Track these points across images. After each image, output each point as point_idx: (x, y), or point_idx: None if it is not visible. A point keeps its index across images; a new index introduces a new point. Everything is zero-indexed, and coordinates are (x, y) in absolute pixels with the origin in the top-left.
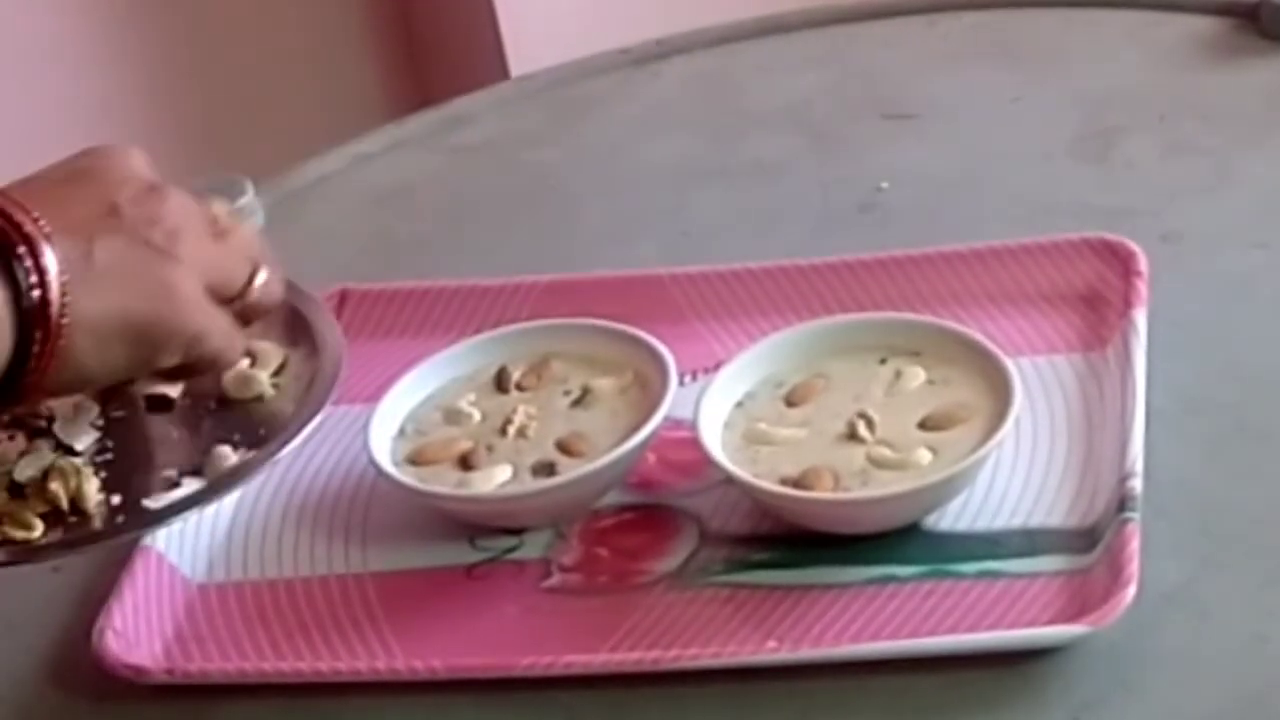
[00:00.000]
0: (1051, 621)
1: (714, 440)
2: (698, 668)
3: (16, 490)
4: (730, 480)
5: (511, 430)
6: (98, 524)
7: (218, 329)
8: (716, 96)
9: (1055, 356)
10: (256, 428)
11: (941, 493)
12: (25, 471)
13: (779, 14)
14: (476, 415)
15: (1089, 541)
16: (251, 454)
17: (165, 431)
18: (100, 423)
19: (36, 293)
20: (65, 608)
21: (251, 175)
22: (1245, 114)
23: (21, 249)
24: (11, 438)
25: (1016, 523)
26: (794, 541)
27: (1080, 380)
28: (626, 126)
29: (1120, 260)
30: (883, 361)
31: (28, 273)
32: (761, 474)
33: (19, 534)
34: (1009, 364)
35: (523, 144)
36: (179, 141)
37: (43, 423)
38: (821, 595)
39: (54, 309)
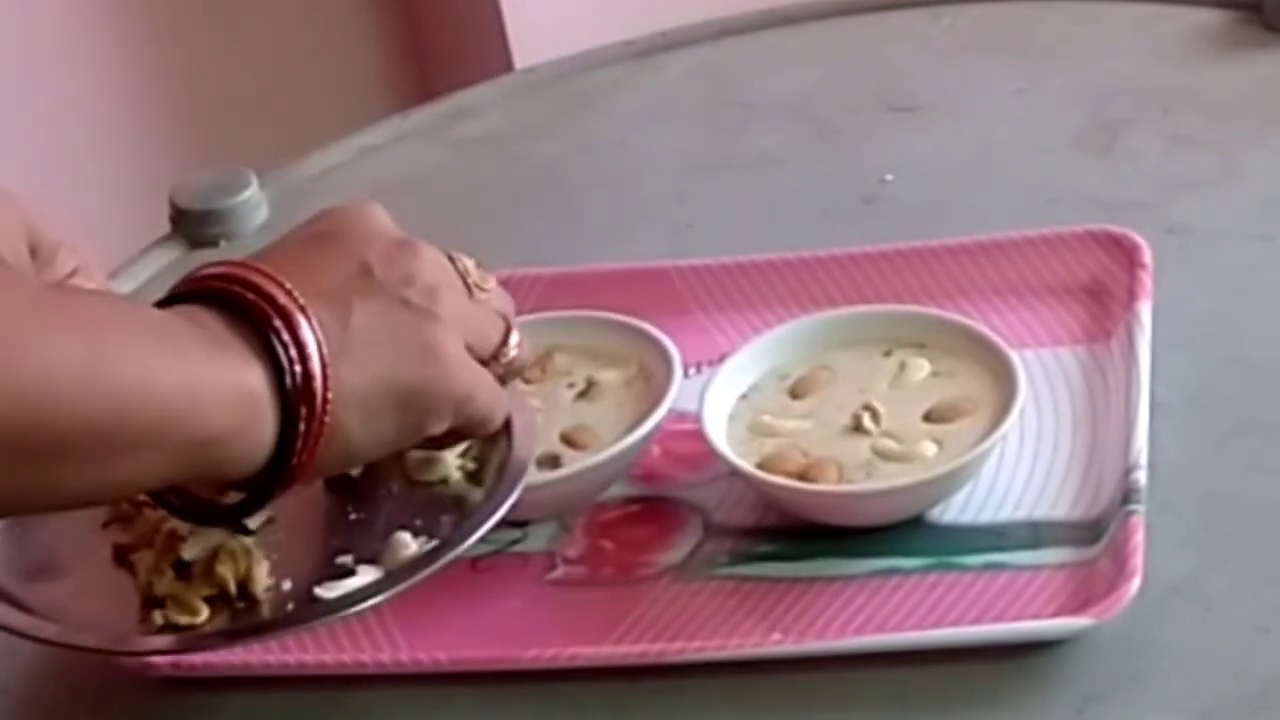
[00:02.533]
0: (1056, 614)
1: (718, 432)
2: (702, 660)
3: (183, 569)
4: (735, 473)
5: None
6: (266, 611)
7: (484, 387)
8: (721, 89)
9: (1060, 349)
10: (440, 513)
11: (946, 485)
12: (193, 550)
13: (783, 6)
14: None
15: (1093, 534)
16: (432, 543)
17: (342, 512)
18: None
19: (298, 368)
20: None
21: (256, 168)
22: (1250, 107)
23: (278, 323)
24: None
25: (1021, 515)
26: (798, 534)
27: (1085, 373)
28: (630, 119)
29: (1124, 252)
30: (887, 354)
31: (286, 348)
32: (766, 466)
33: (183, 619)
34: (1013, 356)
35: (527, 136)
36: (183, 134)
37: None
38: (826, 587)
39: (317, 385)
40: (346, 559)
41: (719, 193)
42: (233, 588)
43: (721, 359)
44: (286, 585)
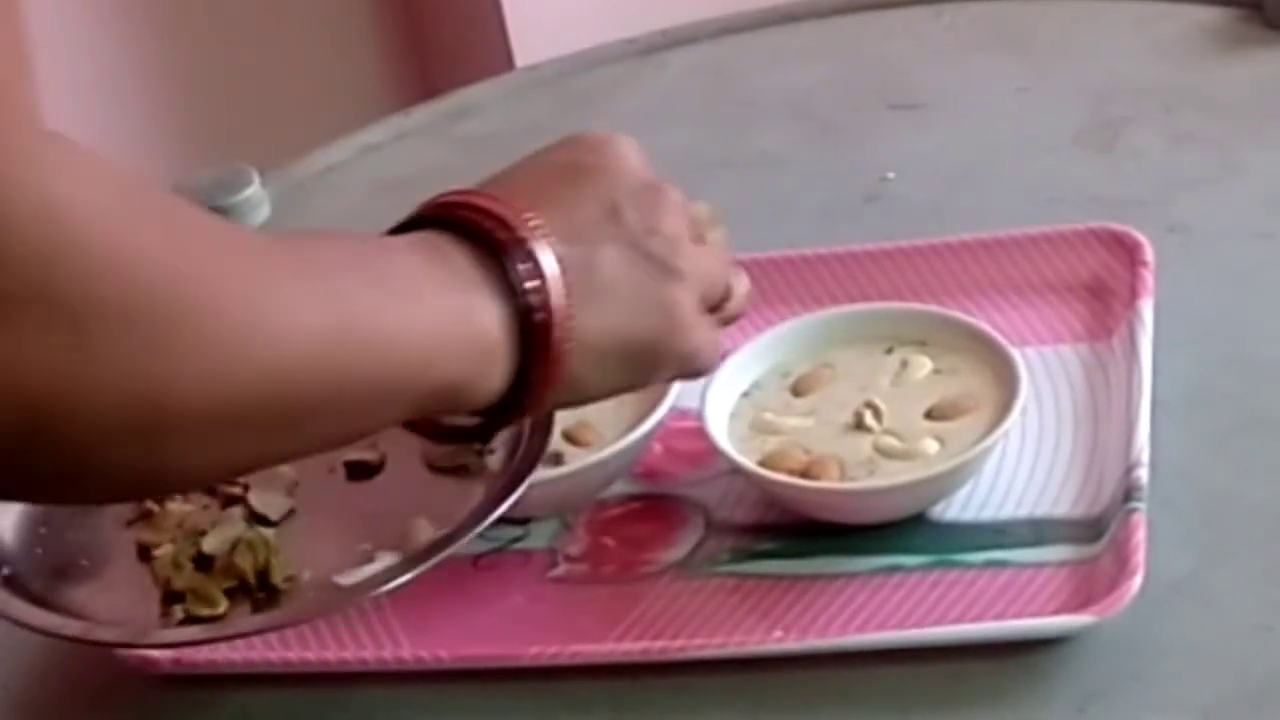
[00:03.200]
0: (1057, 611)
1: (720, 430)
2: (704, 657)
3: (204, 562)
4: (736, 470)
5: None
6: (286, 601)
7: (708, 343)
8: (722, 87)
9: (1061, 346)
10: (457, 502)
11: (948, 483)
12: (213, 542)
13: (784, 4)
14: None
15: (1095, 531)
16: (446, 529)
17: (363, 502)
18: (297, 490)
19: (541, 315)
20: None
21: (258, 166)
22: (1251, 105)
23: (524, 265)
24: (205, 506)
25: (1023, 513)
26: (800, 531)
27: (1086, 370)
28: (632, 117)
29: (1126, 250)
30: (889, 351)
31: (532, 290)
32: (768, 464)
33: (203, 611)
34: (1015, 354)
35: (528, 134)
36: (186, 132)
37: (237, 489)
38: (828, 585)
39: (558, 328)
40: (366, 546)
41: (720, 191)
42: (252, 579)
43: (723, 356)
44: (306, 575)
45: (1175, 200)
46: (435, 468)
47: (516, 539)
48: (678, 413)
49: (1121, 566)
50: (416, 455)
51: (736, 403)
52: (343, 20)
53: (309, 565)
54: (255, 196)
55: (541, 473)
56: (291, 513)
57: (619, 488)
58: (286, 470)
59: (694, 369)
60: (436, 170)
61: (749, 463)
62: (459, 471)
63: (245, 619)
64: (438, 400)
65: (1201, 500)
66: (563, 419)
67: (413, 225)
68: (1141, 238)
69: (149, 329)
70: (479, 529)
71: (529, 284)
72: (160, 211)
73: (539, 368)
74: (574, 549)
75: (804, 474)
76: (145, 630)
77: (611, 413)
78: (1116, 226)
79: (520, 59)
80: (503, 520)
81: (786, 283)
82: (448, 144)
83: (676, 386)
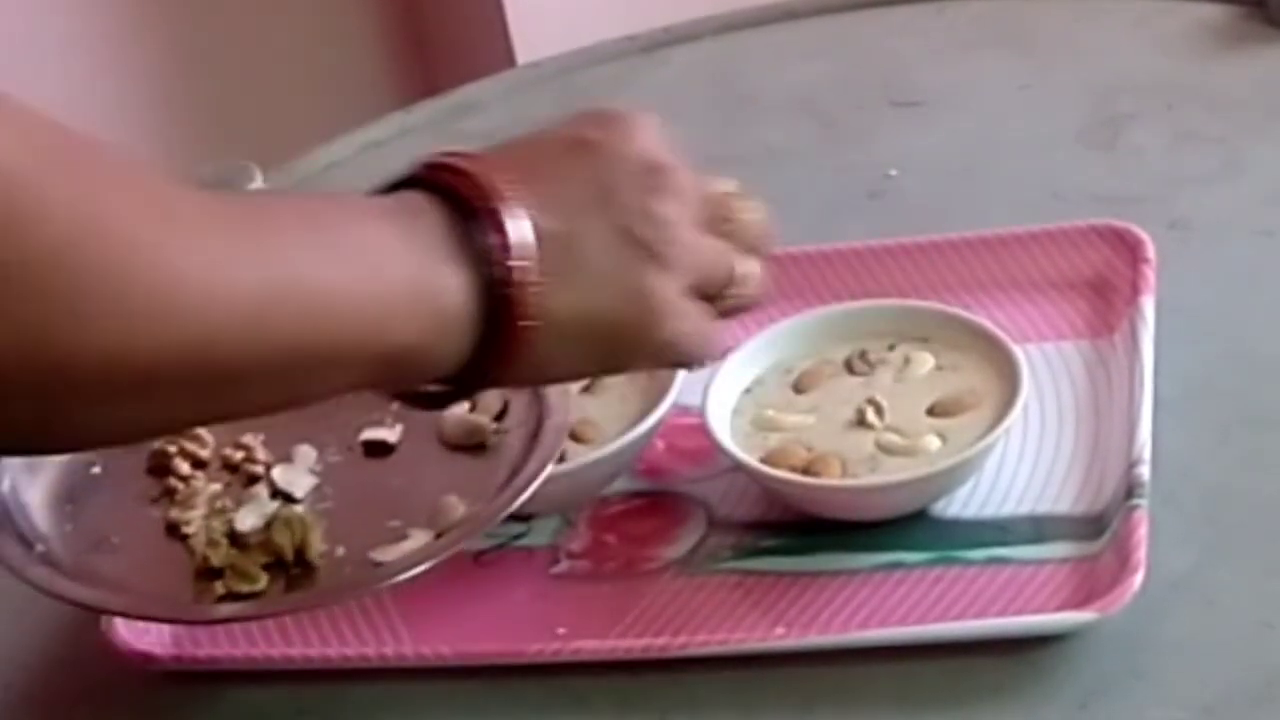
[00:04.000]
0: (1059, 608)
1: (722, 427)
2: (706, 654)
3: (237, 540)
4: (738, 467)
5: None
6: (324, 578)
7: (690, 332)
8: (724, 84)
9: (1063, 343)
10: (481, 479)
11: (950, 479)
12: (247, 520)
13: (787, 1)
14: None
15: (1097, 528)
16: (479, 506)
17: (386, 479)
18: (318, 468)
19: (508, 288)
20: None
21: (260, 162)
22: (1253, 102)
23: (496, 237)
24: (227, 485)
25: (1024, 509)
26: (802, 528)
27: (1088, 367)
28: None
29: (1128, 247)
30: (891, 348)
31: (499, 262)
32: (769, 461)
33: (243, 587)
34: (1017, 350)
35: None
36: (188, 128)
37: (259, 468)
38: (829, 582)
39: (523, 303)
40: (397, 523)
41: None
42: (290, 556)
43: (725, 353)
44: (340, 551)
45: (1177, 197)
46: (451, 445)
47: (518, 535)
48: (680, 409)
49: (1123, 563)
50: (432, 433)
51: (738, 399)
52: (345, 17)
53: (340, 542)
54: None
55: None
56: (315, 490)
57: (621, 484)
58: (308, 449)
59: (675, 359)
60: None
61: (751, 460)
62: (477, 449)
63: (294, 596)
64: (390, 368)
65: (1203, 497)
66: None
67: (402, 184)
68: (1143, 234)
69: (50, 290)
70: (510, 509)
71: (498, 254)
72: (78, 169)
73: (500, 341)
74: (576, 545)
75: (806, 471)
76: (191, 606)
77: (614, 409)
78: (1118, 223)
79: (522, 56)
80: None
81: (789, 279)
82: (450, 141)
83: (678, 383)
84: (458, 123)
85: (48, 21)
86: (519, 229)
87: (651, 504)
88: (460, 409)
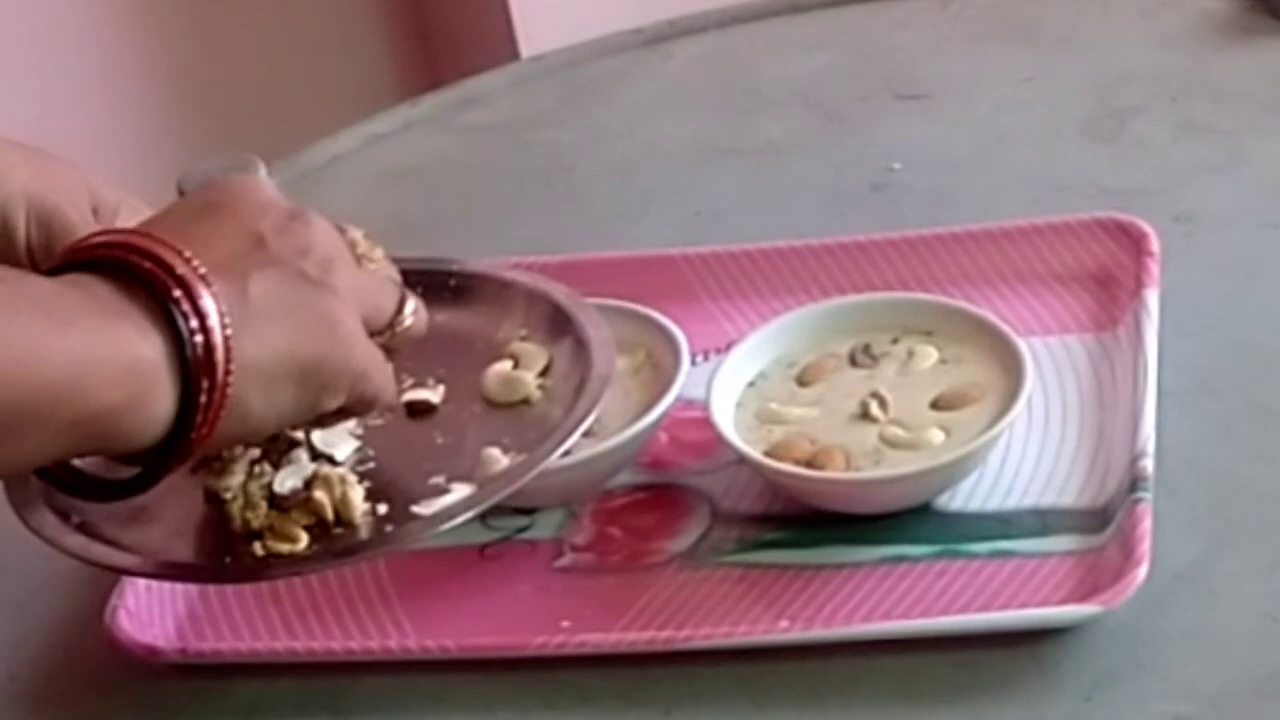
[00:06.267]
0: (1063, 601)
1: (726, 420)
2: (709, 647)
3: (276, 502)
4: (742, 460)
5: None
6: (365, 534)
7: (378, 366)
8: (729, 76)
9: (1067, 336)
10: (525, 431)
11: (953, 472)
12: (287, 483)
13: None
14: None
15: (1101, 521)
16: (522, 457)
17: (428, 438)
18: (359, 431)
19: (199, 339)
20: (78, 587)
21: (264, 156)
22: (1257, 94)
23: (178, 293)
24: (265, 451)
25: (1028, 502)
26: (806, 521)
27: (1092, 360)
28: (638, 107)
29: (1132, 240)
30: (895, 341)
31: (187, 318)
32: (773, 454)
33: (284, 547)
34: (1021, 344)
35: (535, 124)
36: (193, 121)
37: (298, 433)
38: (833, 575)
39: (219, 356)
40: (439, 479)
41: (727, 180)
42: (330, 514)
43: (729, 346)
44: (383, 509)
45: (1181, 190)
46: (496, 403)
47: (522, 528)
48: (684, 403)
49: (1127, 556)
50: (475, 392)
51: (742, 392)
52: (349, 10)
53: (382, 500)
54: None
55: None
56: (357, 452)
57: (625, 477)
58: None
59: (369, 394)
60: (443, 160)
61: (755, 452)
62: (521, 405)
63: (331, 551)
64: (91, 431)
65: (1207, 489)
66: None
67: (60, 271)
68: (1147, 227)
69: None
70: (551, 458)
71: (187, 312)
72: None
73: (205, 397)
74: (580, 539)
75: (810, 464)
76: (230, 565)
77: (618, 403)
78: (1122, 216)
79: (526, 49)
80: (509, 510)
81: (792, 272)
82: (454, 134)
83: (682, 376)
84: (462, 115)
85: (50, 17)
86: (202, 291)
87: (656, 497)
88: (504, 365)
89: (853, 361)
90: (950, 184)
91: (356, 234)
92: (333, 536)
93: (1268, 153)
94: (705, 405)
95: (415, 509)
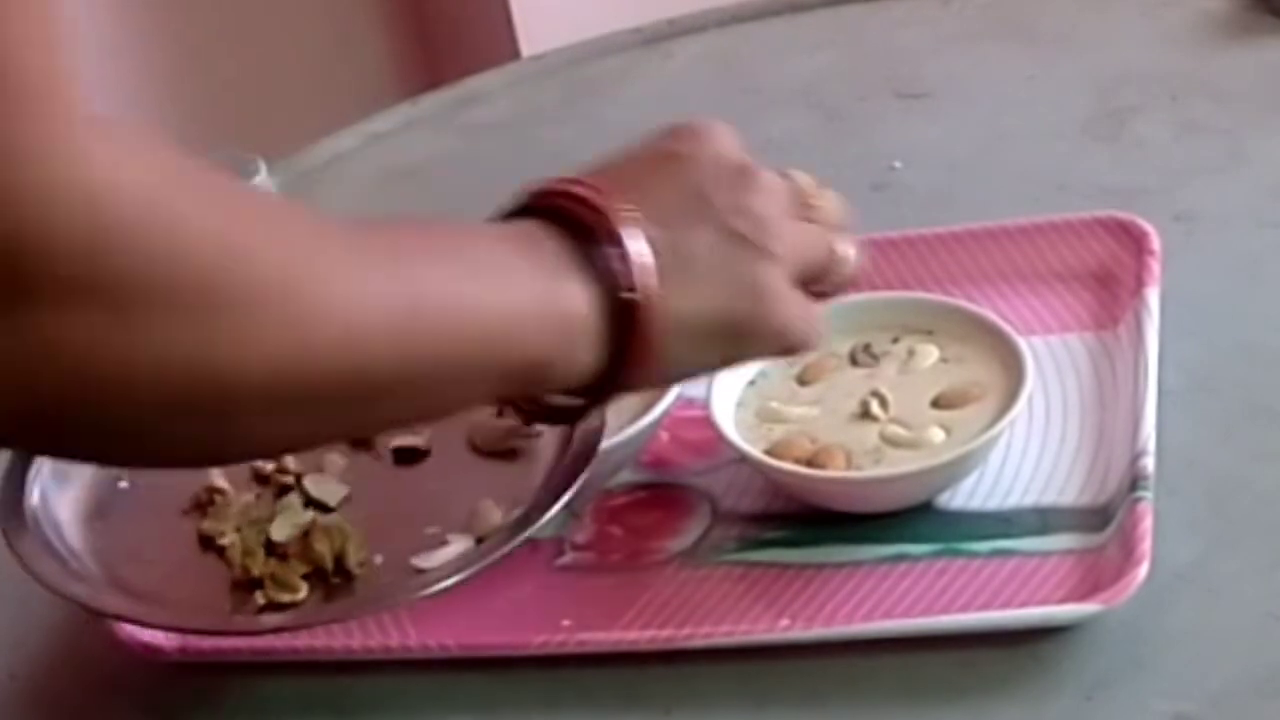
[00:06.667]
0: (1064, 600)
1: (727, 419)
2: (710, 646)
3: (273, 550)
4: (743, 459)
5: None
6: (364, 586)
7: (801, 318)
8: (729, 76)
9: (1068, 335)
10: (516, 482)
11: (954, 471)
12: (284, 530)
13: None
14: None
15: (1101, 520)
16: (516, 511)
17: (419, 486)
18: (349, 477)
19: (631, 292)
20: None
21: (265, 155)
22: (1257, 94)
23: (611, 247)
24: (258, 496)
25: (1029, 501)
26: (806, 520)
27: (1093, 359)
28: (639, 106)
29: (1133, 239)
30: (896, 340)
31: (620, 271)
32: (774, 453)
33: (284, 597)
34: (1021, 342)
35: (535, 123)
36: (193, 120)
37: (289, 478)
38: (834, 574)
39: (648, 308)
40: (435, 529)
41: None
42: (329, 564)
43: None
44: (379, 559)
45: (1182, 189)
46: (482, 451)
47: None
48: (684, 401)
49: (1127, 555)
50: (461, 439)
51: (743, 391)
52: (350, 10)
53: (378, 550)
54: (262, 186)
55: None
56: (349, 499)
57: (626, 476)
58: (337, 457)
59: (786, 345)
60: (444, 158)
61: (755, 451)
62: (508, 455)
63: (336, 605)
64: (522, 379)
65: (1208, 489)
66: None
67: (515, 213)
68: (1148, 226)
69: (200, 310)
70: (556, 509)
71: (618, 266)
72: (212, 191)
73: (632, 347)
74: (581, 537)
75: (810, 463)
76: (234, 618)
77: (619, 402)
78: (1123, 215)
79: (526, 48)
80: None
81: None
82: (455, 132)
83: None
84: (463, 114)
85: None
86: (636, 243)
87: (656, 496)
88: (489, 413)
89: (853, 360)
90: (951, 183)
91: (804, 179)
92: (330, 586)
93: (1268, 152)
94: (706, 404)
95: (415, 561)
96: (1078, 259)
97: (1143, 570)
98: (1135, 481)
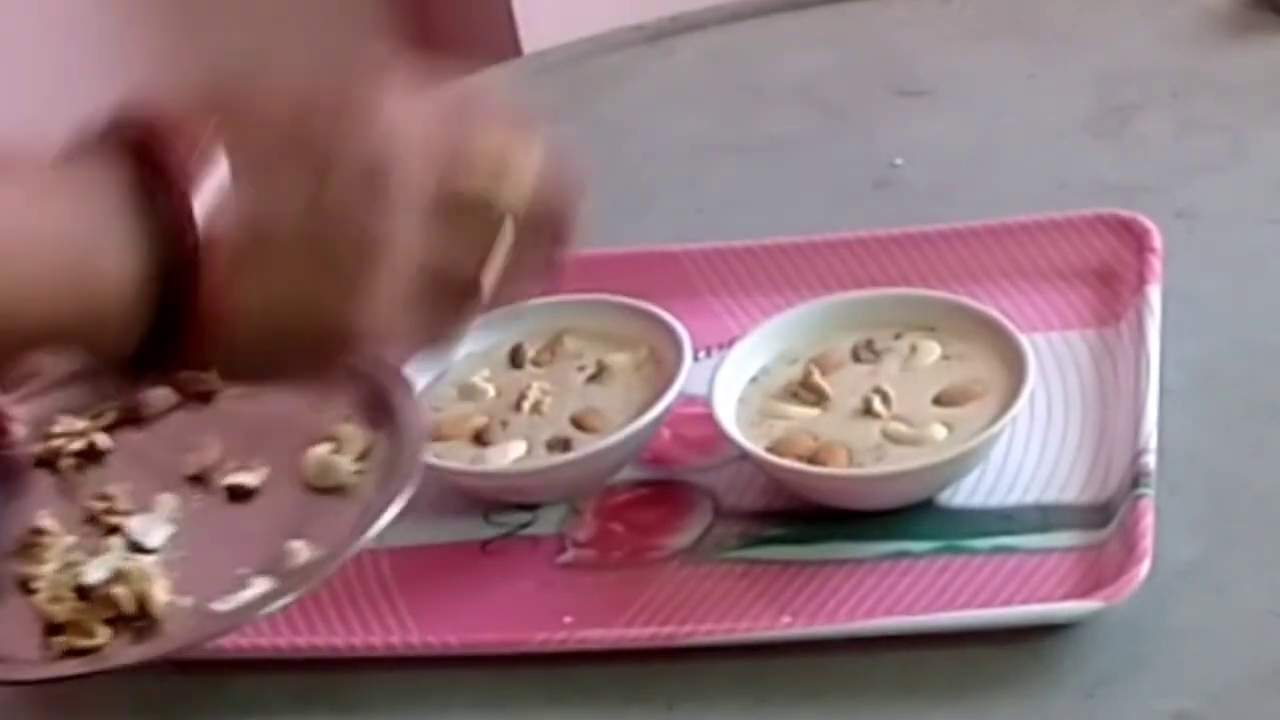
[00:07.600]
0: (1065, 597)
1: (728, 416)
2: (712, 643)
3: (85, 594)
4: (744, 456)
5: (526, 406)
6: (165, 630)
7: (380, 331)
8: (731, 73)
9: (1069, 332)
10: (335, 519)
11: (956, 468)
12: (94, 574)
13: None
14: (491, 391)
15: (1103, 517)
16: (320, 550)
17: (242, 524)
18: (180, 515)
19: (190, 254)
20: None
21: None
22: (1259, 91)
23: (177, 201)
24: (85, 536)
25: (1030, 499)
26: (808, 517)
27: (1094, 356)
28: (640, 103)
29: (1134, 236)
30: (897, 337)
31: (180, 221)
32: (776, 450)
33: (83, 642)
34: (1023, 340)
35: (537, 120)
36: None
37: (118, 519)
38: (836, 571)
39: (207, 287)
40: (244, 570)
41: (729, 177)
42: (131, 609)
43: (731, 342)
44: (186, 601)
45: (1183, 186)
46: (314, 488)
47: (524, 524)
48: (686, 398)
49: (1129, 552)
50: (298, 476)
51: (744, 388)
52: (350, 7)
53: (190, 591)
54: None
55: (550, 459)
56: (172, 539)
57: (627, 473)
58: (169, 496)
59: (360, 352)
60: None
61: (757, 448)
62: (336, 491)
63: (123, 650)
64: (50, 339)
65: (1209, 486)
66: (572, 405)
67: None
68: (1149, 224)
69: None
70: (351, 552)
71: (183, 223)
72: None
73: (178, 328)
74: (582, 535)
75: (812, 460)
76: (27, 665)
77: (620, 398)
78: (1125, 212)
79: (528, 46)
80: (511, 505)
81: (795, 268)
82: None
83: (685, 372)
84: None
85: (49, 13)
86: (207, 202)
87: (658, 493)
88: (323, 449)
89: (855, 358)
90: (952, 180)
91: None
92: (135, 630)
93: (1270, 149)
94: (708, 401)
95: (213, 605)
96: (1079, 256)
97: (1144, 568)
98: (1136, 479)
